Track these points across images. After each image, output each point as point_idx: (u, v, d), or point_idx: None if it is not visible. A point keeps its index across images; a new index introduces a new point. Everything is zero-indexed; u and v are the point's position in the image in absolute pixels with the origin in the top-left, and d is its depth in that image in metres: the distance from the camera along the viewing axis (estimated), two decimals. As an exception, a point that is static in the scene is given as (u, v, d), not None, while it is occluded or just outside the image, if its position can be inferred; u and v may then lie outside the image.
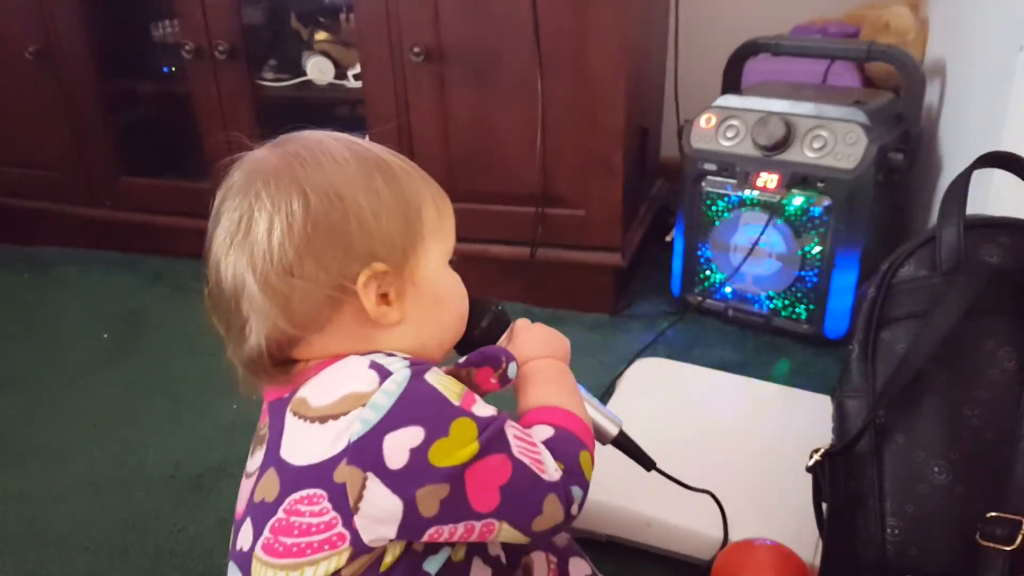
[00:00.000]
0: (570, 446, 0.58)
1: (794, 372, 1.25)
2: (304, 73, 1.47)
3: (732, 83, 1.37)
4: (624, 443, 0.73)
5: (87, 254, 1.74)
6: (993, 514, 0.62)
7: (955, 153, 1.24)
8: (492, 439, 0.53)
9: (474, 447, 0.52)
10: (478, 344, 0.65)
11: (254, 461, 0.59)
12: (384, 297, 0.56)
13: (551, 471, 0.55)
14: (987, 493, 0.64)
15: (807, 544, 0.80)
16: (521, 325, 0.69)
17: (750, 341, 1.33)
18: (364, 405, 0.51)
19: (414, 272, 0.58)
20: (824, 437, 0.76)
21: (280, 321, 0.53)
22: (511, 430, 0.55)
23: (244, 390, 0.59)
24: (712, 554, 0.82)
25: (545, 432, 0.58)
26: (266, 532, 0.54)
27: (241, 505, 0.59)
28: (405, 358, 0.55)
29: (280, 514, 0.53)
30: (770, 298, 1.31)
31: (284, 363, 0.57)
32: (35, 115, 1.63)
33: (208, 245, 0.57)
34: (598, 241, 1.38)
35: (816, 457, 0.72)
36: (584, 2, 1.23)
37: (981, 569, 0.62)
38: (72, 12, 1.53)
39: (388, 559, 0.53)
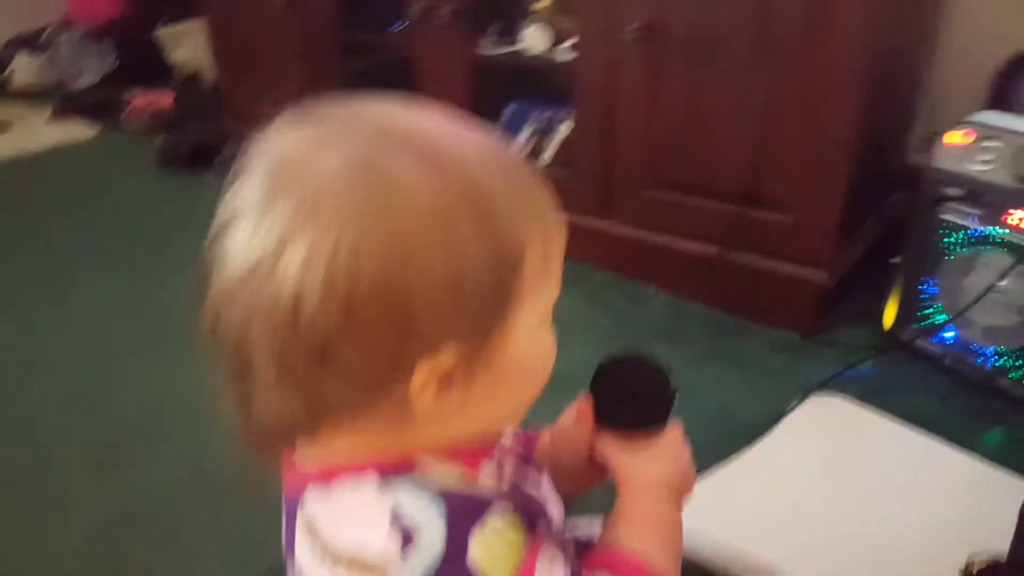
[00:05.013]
0: None
1: (1007, 446, 1.05)
2: (521, 41, 1.46)
3: (1000, 98, 1.15)
4: None
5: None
6: None
7: None
8: None
9: None
10: (635, 417, 0.53)
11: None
12: (447, 383, 0.41)
13: None
14: None
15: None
16: (680, 435, 0.55)
17: (962, 398, 1.14)
18: None
19: (495, 351, 0.42)
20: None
21: (298, 414, 0.40)
22: None
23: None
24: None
25: None
26: None
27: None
28: (444, 499, 0.40)
29: None
30: (999, 354, 1.11)
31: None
32: (279, 57, 1.80)
33: (209, 260, 0.41)
34: (803, 253, 1.25)
35: (977, 566, 0.60)
36: (828, -14, 1.08)
37: None
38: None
39: None
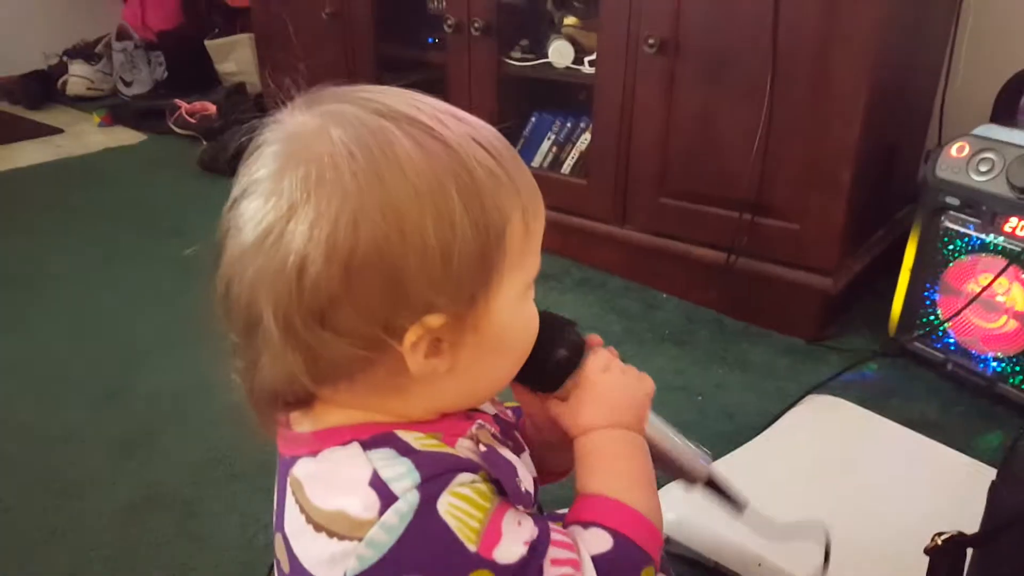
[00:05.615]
0: (629, 564, 0.48)
1: (1006, 450, 1.08)
2: (547, 55, 1.53)
3: (1005, 113, 1.19)
4: (714, 487, 0.62)
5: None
6: None
7: None
8: None
9: None
10: (548, 377, 0.55)
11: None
12: (436, 345, 0.44)
13: None
14: None
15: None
16: (598, 367, 0.55)
17: (963, 404, 1.17)
18: (360, 540, 0.42)
19: (480, 317, 0.45)
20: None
21: (301, 375, 0.43)
22: (551, 555, 0.45)
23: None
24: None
25: (602, 542, 0.48)
26: None
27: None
28: (420, 460, 0.44)
29: None
30: (998, 360, 1.14)
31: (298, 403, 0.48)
32: (320, 69, 1.88)
33: (225, 228, 0.45)
34: (810, 261, 1.29)
35: (937, 541, 0.63)
36: (837, 6, 1.14)
37: None
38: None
39: None
